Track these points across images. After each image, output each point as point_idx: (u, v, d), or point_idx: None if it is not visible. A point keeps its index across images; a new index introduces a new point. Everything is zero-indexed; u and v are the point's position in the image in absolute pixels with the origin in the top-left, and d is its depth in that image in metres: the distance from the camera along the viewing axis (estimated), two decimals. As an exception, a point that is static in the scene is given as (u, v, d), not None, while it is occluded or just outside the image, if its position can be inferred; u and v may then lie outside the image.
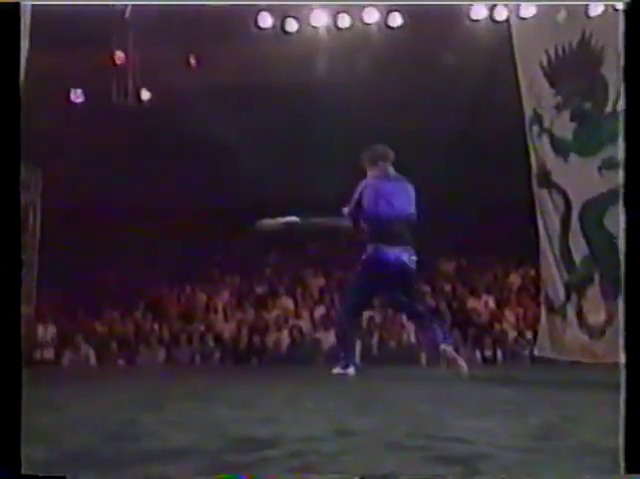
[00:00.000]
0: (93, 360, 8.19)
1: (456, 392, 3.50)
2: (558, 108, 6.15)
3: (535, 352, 6.81)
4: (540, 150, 6.36)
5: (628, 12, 1.75)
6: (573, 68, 6.05)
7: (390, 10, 7.49)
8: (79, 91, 8.46)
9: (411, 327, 8.36)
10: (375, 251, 4.63)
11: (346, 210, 4.76)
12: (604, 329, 5.67)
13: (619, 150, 1.74)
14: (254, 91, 7.98)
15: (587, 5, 5.78)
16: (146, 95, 8.48)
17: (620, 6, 1.85)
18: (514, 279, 9.42)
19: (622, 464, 1.41)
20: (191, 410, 2.70)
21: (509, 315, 8.60)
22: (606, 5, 5.61)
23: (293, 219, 4.91)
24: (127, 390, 4.00)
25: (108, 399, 3.32)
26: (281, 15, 7.61)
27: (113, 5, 6.99)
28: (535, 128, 6.37)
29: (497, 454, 1.57)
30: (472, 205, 9.17)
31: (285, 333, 8.31)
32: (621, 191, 1.67)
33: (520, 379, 4.79)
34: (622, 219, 1.62)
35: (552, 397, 3.22)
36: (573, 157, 6.02)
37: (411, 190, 4.75)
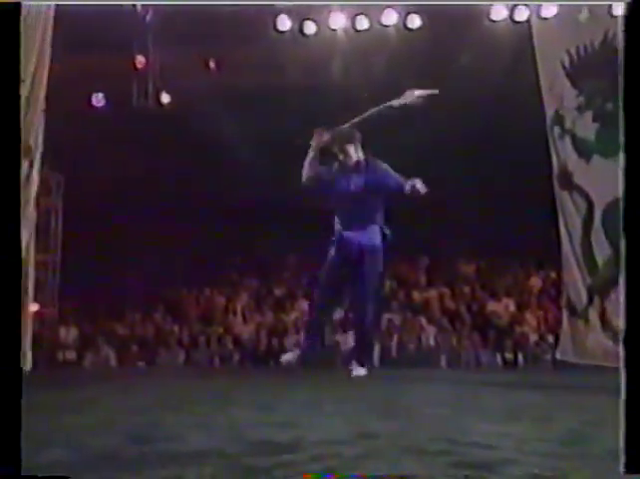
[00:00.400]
0: (114, 362, 8.26)
1: (477, 396, 3.46)
2: (580, 109, 6.08)
3: (557, 356, 6.72)
4: (562, 151, 6.29)
5: (628, 12, 1.74)
6: (595, 68, 5.97)
7: (408, 12, 7.47)
8: (100, 95, 8.55)
9: (431, 330, 8.31)
10: (337, 236, 4.58)
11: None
12: (628, 333, 5.57)
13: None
14: (273, 93, 8.00)
15: (610, 4, 5.71)
16: (166, 98, 8.55)
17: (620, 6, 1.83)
18: (535, 282, 9.31)
19: (622, 464, 1.40)
20: (211, 413, 2.71)
21: (530, 318, 8.50)
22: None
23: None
24: (147, 392, 4.02)
25: (129, 401, 3.34)
26: (300, 18, 7.63)
27: (133, 9, 7.06)
28: (557, 129, 6.30)
29: (522, 459, 1.54)
30: (491, 206, 9.09)
31: (304, 336, 8.30)
32: (621, 191, 1.65)
33: (543, 383, 4.73)
34: (622, 219, 1.60)
35: (576, 402, 3.17)
36: (596, 158, 5.94)
37: (379, 168, 4.58)
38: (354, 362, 4.62)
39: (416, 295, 9.07)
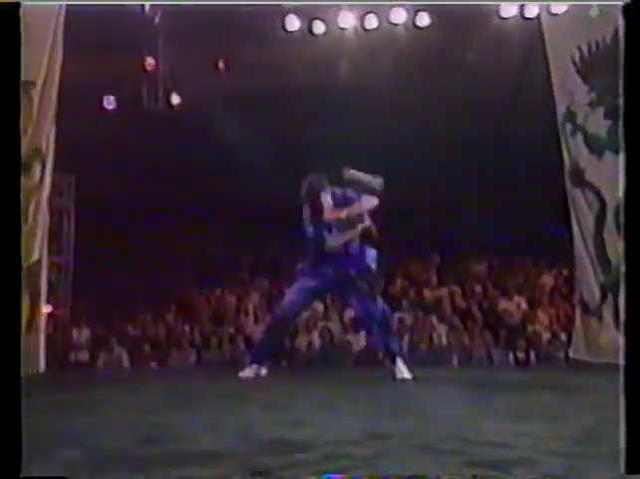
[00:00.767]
0: (126, 362, 8.30)
1: (490, 395, 3.44)
2: (592, 105, 6.01)
3: (570, 354, 6.66)
4: (574, 148, 6.22)
5: (628, 12, 1.73)
6: (607, 64, 5.91)
7: (417, 10, 7.44)
8: (111, 97, 8.59)
9: (442, 329, 8.28)
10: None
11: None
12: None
13: None
14: (283, 94, 8.00)
15: (622, 0, 5.64)
16: (176, 99, 8.58)
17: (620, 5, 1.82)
18: (547, 280, 9.25)
19: (622, 464, 1.38)
20: (223, 413, 2.71)
21: (543, 317, 8.45)
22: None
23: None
24: (159, 393, 4.03)
25: (141, 402, 3.35)
26: (308, 17, 7.62)
27: (142, 11, 7.08)
28: (568, 125, 6.24)
29: (537, 458, 1.53)
30: (503, 204, 9.04)
31: (315, 336, 8.30)
32: (622, 191, 1.64)
33: (556, 382, 4.70)
34: (622, 219, 1.59)
35: (590, 400, 3.15)
36: (608, 154, 5.88)
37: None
38: (399, 366, 4.51)
39: (427, 294, 9.04)
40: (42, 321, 6.08)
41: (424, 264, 9.78)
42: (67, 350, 8.26)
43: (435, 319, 8.39)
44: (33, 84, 5.58)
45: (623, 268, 1.62)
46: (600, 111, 5.96)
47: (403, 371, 4.42)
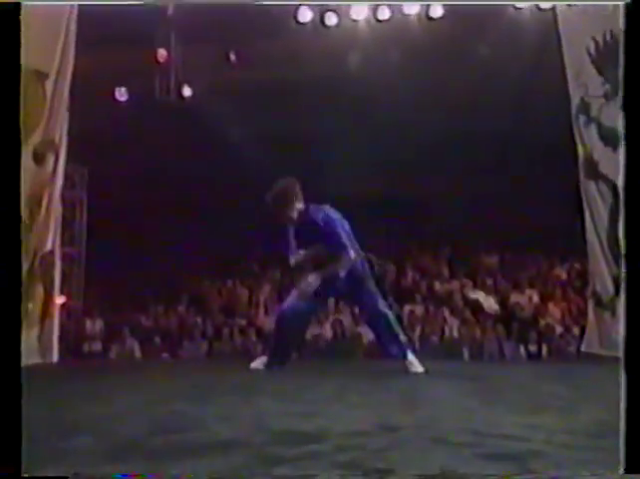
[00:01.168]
0: (138, 353, 8.35)
1: (502, 388, 3.43)
2: (607, 96, 5.95)
3: (583, 348, 6.62)
4: (588, 140, 6.16)
5: (628, 12, 1.71)
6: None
7: (430, 1, 7.39)
8: (123, 89, 8.62)
9: (453, 322, 8.26)
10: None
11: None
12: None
13: None
14: (295, 85, 7.99)
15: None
16: (187, 91, 8.59)
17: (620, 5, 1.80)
18: (559, 273, 9.20)
19: (622, 464, 1.38)
20: (235, 404, 2.72)
21: (555, 310, 8.41)
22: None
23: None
24: (172, 383, 4.06)
25: (154, 392, 3.38)
26: (321, 9, 7.59)
27: (154, 3, 7.09)
28: (583, 117, 6.17)
29: (550, 451, 1.53)
30: (515, 196, 8.99)
31: (327, 328, 8.31)
32: (622, 191, 1.62)
33: (568, 375, 4.68)
34: (622, 218, 1.58)
35: (603, 394, 3.13)
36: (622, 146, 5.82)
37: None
38: (411, 359, 4.43)
39: (438, 287, 9.02)
40: (55, 312, 6.12)
41: (435, 257, 9.75)
42: (80, 341, 8.33)
43: (446, 312, 8.37)
44: (46, 76, 5.60)
45: (624, 269, 1.60)
46: (615, 103, 5.90)
47: (416, 365, 4.40)
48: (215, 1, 6.36)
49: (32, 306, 5.61)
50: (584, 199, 6.30)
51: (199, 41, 7.84)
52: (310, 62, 7.89)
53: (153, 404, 2.73)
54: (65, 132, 5.96)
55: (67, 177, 6.51)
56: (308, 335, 8.43)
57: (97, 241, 8.56)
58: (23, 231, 5.32)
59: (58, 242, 6.11)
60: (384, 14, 7.54)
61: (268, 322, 8.81)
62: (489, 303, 4.15)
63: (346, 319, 8.43)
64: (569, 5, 6.36)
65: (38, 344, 5.71)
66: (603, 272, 6.10)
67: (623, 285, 1.59)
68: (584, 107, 6.15)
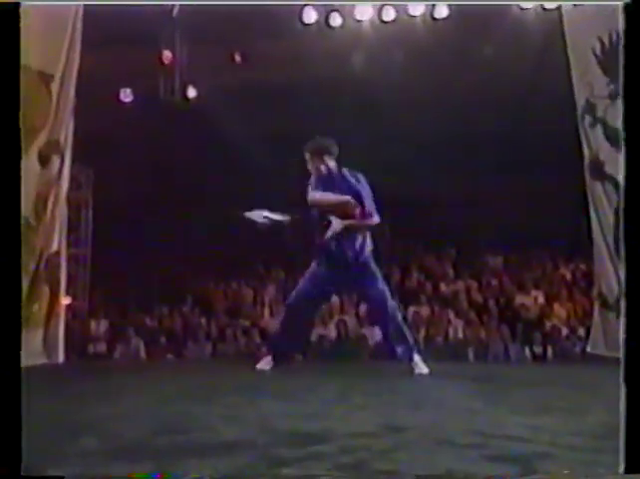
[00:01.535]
0: (143, 354, 8.36)
1: (508, 389, 3.43)
2: (612, 97, 5.93)
3: (588, 349, 6.60)
4: (593, 140, 6.14)
5: (628, 11, 1.70)
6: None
7: (435, 1, 7.38)
8: (128, 90, 8.64)
9: (458, 323, 8.25)
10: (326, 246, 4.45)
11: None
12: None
13: None
14: (299, 86, 7.99)
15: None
16: (192, 92, 8.60)
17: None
18: (565, 274, 9.17)
19: (622, 464, 1.37)
20: (240, 404, 2.72)
21: (560, 311, 8.38)
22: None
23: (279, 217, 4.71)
24: (177, 384, 4.06)
25: (159, 393, 3.38)
26: (325, 9, 7.59)
27: (159, 4, 7.11)
28: (588, 118, 6.15)
29: (556, 453, 1.52)
30: (521, 197, 8.97)
31: (331, 329, 8.31)
32: (622, 191, 1.61)
33: (573, 377, 4.66)
34: (621, 216, 1.57)
35: (608, 395, 3.12)
36: (628, 147, 5.79)
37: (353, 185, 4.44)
38: (416, 361, 4.41)
39: (443, 288, 9.00)
40: (61, 313, 6.13)
41: (440, 258, 9.74)
42: (85, 341, 8.34)
43: (451, 313, 8.36)
44: (52, 77, 5.62)
45: (624, 269, 1.60)
46: (620, 103, 5.87)
47: (421, 366, 4.37)
48: (220, 2, 6.37)
49: (38, 307, 5.63)
50: (590, 199, 6.28)
51: (204, 42, 7.84)
52: (315, 63, 7.88)
53: (157, 405, 2.73)
54: (70, 133, 5.97)
55: (72, 178, 6.52)
56: (313, 336, 8.43)
57: (102, 242, 8.58)
58: (29, 232, 5.36)
59: (64, 244, 6.12)
60: (389, 15, 7.53)
61: (273, 324, 8.82)
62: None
63: (350, 320, 8.43)
64: (575, 5, 6.34)
65: (43, 345, 5.72)
66: (609, 273, 6.08)
67: (623, 286, 1.59)
68: (590, 107, 6.13)
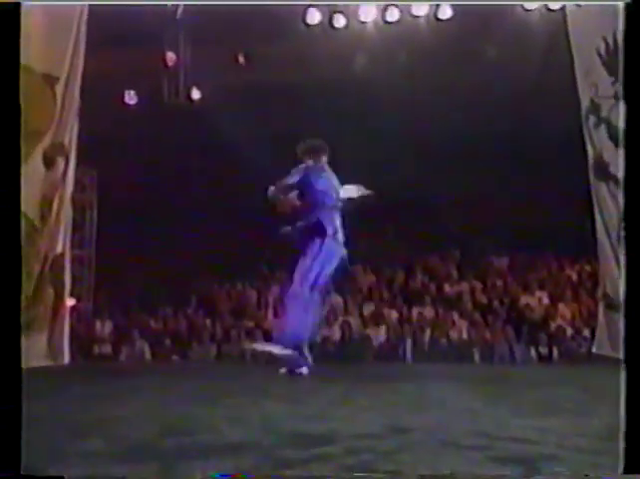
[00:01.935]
0: (148, 355, 8.37)
1: (513, 391, 3.42)
2: (617, 97, 5.92)
3: (594, 350, 6.58)
4: (598, 140, 6.13)
5: (628, 12, 1.70)
6: (632, 55, 5.80)
7: (439, 2, 7.37)
8: (132, 92, 8.66)
9: (463, 324, 8.23)
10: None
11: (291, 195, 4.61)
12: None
13: None
14: (303, 87, 7.99)
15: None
16: (196, 94, 8.61)
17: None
18: (570, 275, 9.14)
19: (622, 464, 1.37)
20: (245, 406, 2.72)
21: (565, 312, 8.35)
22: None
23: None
24: (182, 386, 4.06)
25: (164, 394, 3.38)
26: (329, 11, 7.59)
27: (163, 6, 7.12)
28: (592, 118, 6.14)
29: (562, 455, 1.51)
30: (525, 197, 8.95)
31: (335, 329, 8.30)
32: (621, 190, 1.61)
33: (579, 378, 4.65)
34: (622, 218, 1.57)
35: (614, 396, 3.11)
36: (633, 147, 5.77)
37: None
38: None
39: (447, 289, 8.98)
40: (66, 314, 6.15)
41: (444, 259, 9.72)
42: (90, 343, 8.35)
43: (455, 315, 8.34)
44: (57, 79, 5.63)
45: (624, 269, 1.59)
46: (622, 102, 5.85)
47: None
48: (224, 4, 6.38)
49: (43, 309, 5.64)
50: (594, 199, 6.26)
51: (208, 44, 7.85)
52: (319, 64, 7.88)
53: (162, 406, 2.73)
54: (75, 135, 5.99)
55: (77, 180, 6.54)
56: (317, 338, 8.42)
57: (107, 244, 8.59)
58: (34, 234, 5.37)
59: (68, 245, 6.14)
60: (392, 15, 7.52)
61: (277, 325, 8.81)
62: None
63: (354, 321, 8.42)
64: (578, 5, 6.33)
65: (48, 347, 5.73)
66: (614, 274, 6.06)
67: (624, 286, 1.58)
68: (594, 107, 6.11)
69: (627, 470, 1.38)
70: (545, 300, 8.57)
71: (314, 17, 7.57)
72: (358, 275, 9.44)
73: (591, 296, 7.96)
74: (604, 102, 6.01)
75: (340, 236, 4.65)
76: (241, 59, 8.25)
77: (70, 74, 5.76)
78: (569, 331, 7.94)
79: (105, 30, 6.13)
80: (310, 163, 4.63)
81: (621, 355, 1.56)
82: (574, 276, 9.05)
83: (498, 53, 7.72)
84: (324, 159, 4.69)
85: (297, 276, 4.60)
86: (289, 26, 7.53)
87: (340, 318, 8.48)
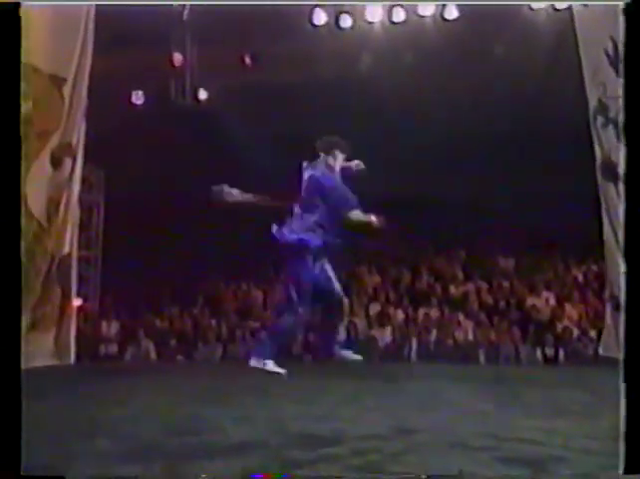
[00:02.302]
0: (153, 355, 8.38)
1: (519, 392, 3.40)
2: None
3: (600, 351, 6.55)
4: (605, 141, 6.10)
5: (628, 12, 1.70)
6: (640, 55, 5.77)
7: (445, 2, 7.36)
8: (140, 92, 8.68)
9: (468, 325, 8.21)
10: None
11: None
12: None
13: None
14: (310, 87, 7.99)
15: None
16: (203, 94, 8.63)
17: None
18: (577, 275, 9.10)
19: (622, 464, 1.36)
20: (251, 406, 2.72)
21: (572, 313, 8.31)
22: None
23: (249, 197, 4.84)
24: (188, 386, 4.07)
25: (171, 394, 3.39)
26: (335, 11, 7.59)
27: (170, 7, 7.14)
28: (600, 118, 6.11)
29: (569, 456, 1.51)
30: (532, 198, 8.91)
31: (341, 330, 8.28)
32: (622, 190, 1.61)
33: (585, 379, 4.63)
34: (622, 218, 1.56)
35: (621, 398, 3.09)
36: (641, 148, 5.75)
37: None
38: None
39: (453, 290, 8.96)
40: (72, 314, 6.16)
41: (450, 260, 9.70)
42: (96, 343, 8.37)
43: (461, 315, 8.32)
44: (64, 80, 5.65)
45: (624, 269, 1.59)
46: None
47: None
48: (231, 4, 6.39)
49: (49, 309, 5.66)
50: (602, 200, 6.24)
51: (215, 44, 7.86)
52: (325, 64, 7.88)
53: (168, 406, 2.74)
54: (82, 135, 6.00)
55: (84, 180, 6.56)
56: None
57: (113, 244, 8.62)
58: (41, 234, 5.39)
59: (75, 245, 6.16)
60: (399, 16, 7.52)
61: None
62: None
63: (360, 322, 8.41)
64: (585, 5, 6.31)
65: (55, 346, 5.75)
66: (621, 275, 6.03)
67: (624, 287, 1.58)
68: (602, 108, 6.08)
69: (627, 470, 1.38)
70: (552, 301, 8.53)
71: (320, 17, 7.57)
72: (364, 276, 9.43)
73: (598, 297, 7.92)
74: (612, 102, 5.98)
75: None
76: (248, 59, 8.25)
77: (77, 74, 5.78)
78: (576, 332, 7.90)
79: (112, 31, 6.15)
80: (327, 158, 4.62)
81: (621, 356, 1.55)
82: (581, 277, 9.01)
83: (505, 53, 7.69)
84: (339, 155, 4.63)
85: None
86: (295, 26, 7.53)
87: (346, 319, 8.47)
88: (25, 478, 1.52)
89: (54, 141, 5.56)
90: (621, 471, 1.38)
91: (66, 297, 5.90)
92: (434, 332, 8.03)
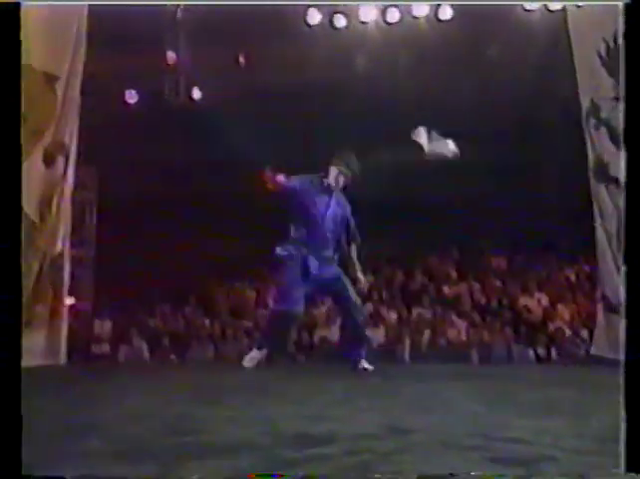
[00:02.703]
0: (146, 355, 8.37)
1: (511, 391, 3.42)
2: (617, 99, 5.92)
3: (592, 351, 6.59)
4: (598, 142, 6.14)
5: (628, 12, 1.71)
6: (633, 57, 5.80)
7: (440, 2, 7.38)
8: (133, 92, 8.67)
9: (461, 325, 8.24)
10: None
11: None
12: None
13: None
14: (304, 88, 8.00)
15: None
16: (197, 94, 8.62)
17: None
18: (569, 276, 9.15)
19: (622, 464, 1.37)
20: (243, 406, 2.72)
21: (564, 313, 8.36)
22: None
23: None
24: (181, 385, 4.06)
25: (163, 394, 3.38)
26: (330, 11, 7.60)
27: (164, 5, 7.13)
28: (593, 119, 6.15)
29: (559, 456, 1.51)
30: (525, 198, 8.95)
31: (334, 330, 8.30)
32: (616, 192, 1.62)
33: (577, 379, 4.65)
34: (623, 217, 1.57)
35: (612, 398, 3.11)
36: (633, 149, 5.78)
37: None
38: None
39: (446, 290, 8.99)
40: (64, 313, 6.14)
41: (443, 260, 9.73)
42: (88, 342, 8.35)
43: (454, 315, 8.34)
44: (57, 78, 5.63)
45: (623, 268, 1.60)
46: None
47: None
48: (224, 4, 6.38)
49: (41, 308, 5.64)
50: (594, 201, 6.27)
51: (208, 44, 7.86)
52: (319, 64, 7.89)
53: (161, 406, 2.73)
54: (75, 134, 5.99)
55: (77, 178, 6.54)
56: (315, 338, 8.43)
57: (106, 243, 8.59)
58: (33, 232, 5.37)
59: (67, 244, 6.14)
60: (393, 16, 7.54)
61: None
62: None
63: (354, 322, 8.40)
64: (579, 6, 6.34)
65: (46, 346, 5.73)
66: (612, 275, 6.07)
67: (624, 287, 1.58)
68: (595, 109, 6.12)
69: (628, 470, 1.39)
70: (544, 302, 8.58)
71: (315, 17, 7.58)
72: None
73: (590, 298, 7.97)
74: (605, 103, 6.02)
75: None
76: (242, 59, 8.26)
77: (70, 73, 5.76)
78: (568, 333, 7.95)
79: (105, 29, 6.13)
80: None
81: (621, 357, 1.56)
82: (573, 278, 9.06)
83: (499, 54, 7.73)
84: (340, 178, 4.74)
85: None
86: (290, 26, 7.54)
87: (338, 319, 8.48)
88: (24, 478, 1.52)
89: (47, 139, 5.54)
90: (622, 470, 1.39)
91: (58, 296, 5.88)
92: (427, 332, 8.06)
